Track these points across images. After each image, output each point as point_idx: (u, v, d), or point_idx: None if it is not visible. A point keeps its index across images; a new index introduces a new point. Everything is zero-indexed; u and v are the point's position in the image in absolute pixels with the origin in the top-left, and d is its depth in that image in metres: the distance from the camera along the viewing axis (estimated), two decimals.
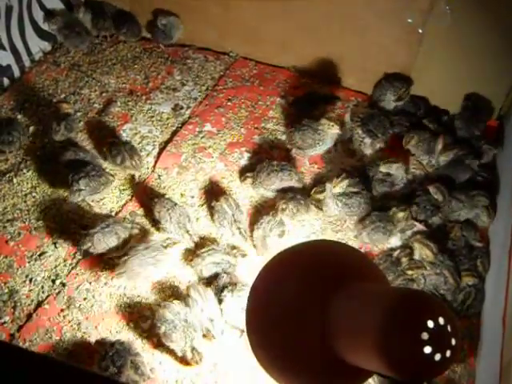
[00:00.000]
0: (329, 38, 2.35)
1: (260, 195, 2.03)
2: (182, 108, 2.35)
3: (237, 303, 1.66)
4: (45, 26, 2.48)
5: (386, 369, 0.88)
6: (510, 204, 1.89)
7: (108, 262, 1.84)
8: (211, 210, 1.95)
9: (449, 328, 0.84)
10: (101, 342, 1.65)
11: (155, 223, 1.92)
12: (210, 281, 1.77)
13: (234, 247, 1.87)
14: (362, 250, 1.89)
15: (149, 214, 1.95)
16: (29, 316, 1.72)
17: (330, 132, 2.09)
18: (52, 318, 1.72)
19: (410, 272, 1.79)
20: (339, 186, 1.93)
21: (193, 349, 1.60)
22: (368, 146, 2.14)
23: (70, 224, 1.93)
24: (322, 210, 1.97)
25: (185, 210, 1.91)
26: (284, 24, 2.38)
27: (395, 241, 1.93)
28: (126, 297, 1.77)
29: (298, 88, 2.43)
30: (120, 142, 2.10)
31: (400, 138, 2.16)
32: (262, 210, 2.00)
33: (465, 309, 1.76)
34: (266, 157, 2.13)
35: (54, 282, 1.80)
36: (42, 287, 1.79)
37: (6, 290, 1.77)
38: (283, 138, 2.23)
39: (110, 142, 2.08)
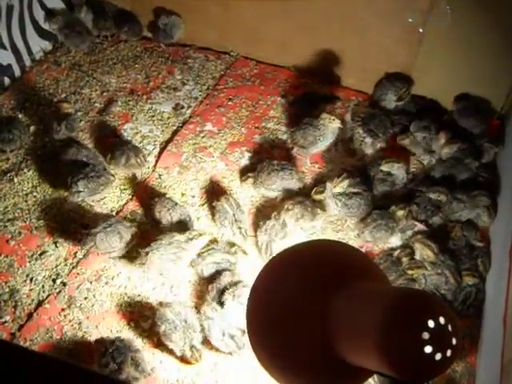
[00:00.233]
0: (329, 38, 2.35)
1: (261, 195, 2.03)
2: (182, 107, 2.35)
3: (238, 303, 1.66)
4: (45, 26, 2.49)
5: (386, 368, 0.88)
6: (511, 204, 1.89)
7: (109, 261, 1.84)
8: (212, 210, 1.95)
9: (449, 327, 0.84)
10: (101, 341, 1.65)
11: (156, 223, 1.92)
12: (210, 280, 1.77)
13: (233, 246, 1.87)
14: (363, 250, 1.89)
15: (149, 213, 1.95)
16: (29, 315, 1.72)
17: (331, 126, 2.07)
18: (53, 317, 1.72)
19: (410, 272, 1.80)
20: (339, 186, 1.93)
21: (192, 347, 1.60)
22: (369, 146, 2.14)
23: (70, 223, 1.94)
24: (325, 211, 1.97)
25: (185, 209, 1.91)
26: (284, 24, 2.38)
27: (395, 240, 1.93)
28: (127, 296, 1.78)
29: (299, 87, 2.43)
30: (122, 142, 2.10)
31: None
32: (263, 210, 2.00)
33: (465, 308, 1.76)
34: (266, 156, 2.13)
35: (54, 281, 1.80)
36: (43, 286, 1.79)
37: (7, 290, 1.77)
38: (284, 137, 2.23)
39: (111, 145, 2.07)
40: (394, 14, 2.19)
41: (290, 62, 2.49)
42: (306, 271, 1.05)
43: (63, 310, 1.74)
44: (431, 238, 1.85)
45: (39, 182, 2.05)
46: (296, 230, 1.94)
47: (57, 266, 1.84)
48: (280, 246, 1.82)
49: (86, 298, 1.77)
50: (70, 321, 1.72)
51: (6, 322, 1.71)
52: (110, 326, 1.71)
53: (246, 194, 2.05)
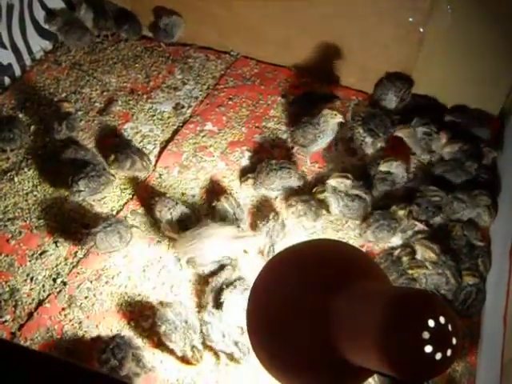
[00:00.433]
0: (329, 37, 2.35)
1: (261, 195, 2.03)
2: (183, 107, 2.35)
3: (237, 303, 1.66)
4: (46, 25, 2.48)
5: (386, 368, 0.88)
6: (511, 204, 1.89)
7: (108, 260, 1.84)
8: (212, 210, 1.95)
9: (450, 327, 0.84)
10: (101, 339, 1.65)
11: (156, 222, 1.92)
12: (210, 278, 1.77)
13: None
14: (364, 249, 1.89)
15: (150, 213, 1.95)
16: (30, 315, 1.72)
17: (333, 121, 2.06)
18: (53, 316, 1.72)
19: (410, 271, 1.79)
20: (336, 180, 1.92)
21: (193, 347, 1.60)
22: (369, 145, 2.14)
23: (71, 223, 1.94)
24: (329, 211, 1.96)
25: (186, 209, 1.91)
26: (285, 23, 2.38)
27: (396, 240, 1.93)
28: (127, 295, 1.78)
29: (299, 87, 2.42)
30: (125, 145, 2.10)
31: (401, 138, 2.16)
32: (263, 209, 2.00)
33: (466, 308, 1.76)
34: (266, 156, 2.13)
35: (55, 280, 1.80)
36: (43, 286, 1.79)
37: (7, 289, 1.77)
38: (284, 136, 2.23)
39: (112, 146, 2.07)
40: (395, 14, 2.19)
41: (291, 61, 2.49)
42: (307, 271, 1.05)
43: (63, 309, 1.74)
44: (432, 239, 1.85)
45: (39, 182, 2.05)
46: (296, 228, 1.94)
47: (57, 266, 1.84)
48: (282, 246, 1.82)
49: (86, 298, 1.77)
50: (71, 320, 1.72)
51: (6, 321, 1.71)
52: (110, 326, 1.71)
53: (246, 194, 2.05)
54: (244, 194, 2.04)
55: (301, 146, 2.13)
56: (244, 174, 2.09)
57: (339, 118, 2.06)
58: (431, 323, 0.83)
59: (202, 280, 1.80)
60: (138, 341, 1.67)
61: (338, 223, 1.99)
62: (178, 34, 2.54)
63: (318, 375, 1.01)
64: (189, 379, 1.62)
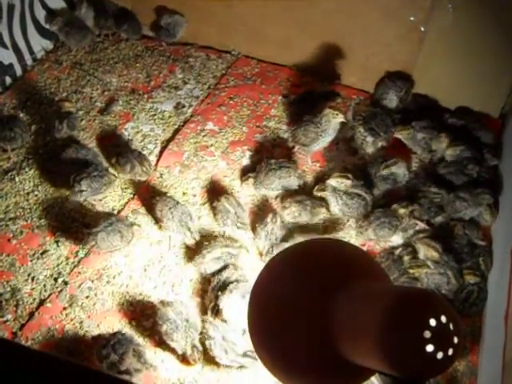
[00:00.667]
0: (330, 37, 2.35)
1: (262, 195, 2.03)
2: (183, 106, 2.35)
3: (237, 303, 1.66)
4: (46, 25, 2.48)
5: (387, 367, 0.87)
6: None
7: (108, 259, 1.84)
8: (213, 210, 1.95)
9: (451, 326, 0.84)
10: (102, 337, 1.65)
11: (157, 222, 1.92)
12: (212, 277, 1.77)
13: (235, 241, 1.86)
14: (364, 248, 1.89)
15: (151, 212, 1.95)
16: (31, 314, 1.72)
17: (334, 121, 2.06)
18: (54, 316, 1.72)
19: (411, 271, 1.79)
20: (336, 181, 1.92)
21: (193, 346, 1.60)
22: (370, 145, 2.14)
23: (72, 222, 1.94)
24: (328, 210, 1.96)
25: (187, 208, 1.91)
26: (286, 22, 2.38)
27: (397, 239, 1.92)
28: (128, 295, 1.78)
29: (300, 86, 2.42)
30: (127, 149, 2.09)
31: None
32: (264, 209, 2.00)
33: (467, 307, 1.76)
34: (267, 155, 2.13)
35: (56, 280, 1.81)
36: (45, 285, 1.79)
37: (9, 289, 1.77)
38: (285, 136, 2.23)
39: (113, 146, 2.07)
40: (396, 13, 2.19)
41: (292, 60, 2.49)
42: (307, 271, 1.05)
43: (65, 308, 1.74)
44: (434, 238, 1.85)
45: (41, 181, 2.05)
46: (295, 228, 1.94)
47: (58, 265, 1.84)
48: (281, 247, 1.82)
49: (87, 297, 1.77)
50: (72, 320, 1.72)
51: (7, 320, 1.71)
52: (111, 325, 1.71)
53: (247, 193, 2.05)
54: (245, 193, 2.05)
55: (302, 145, 2.13)
56: (245, 173, 2.09)
57: (341, 118, 2.06)
58: (432, 322, 0.83)
59: (203, 279, 1.80)
60: (140, 340, 1.67)
61: (338, 222, 1.99)
62: (180, 33, 2.54)
63: (319, 375, 1.01)
64: (190, 378, 1.62)
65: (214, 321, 1.65)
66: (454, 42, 2.18)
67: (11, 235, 1.90)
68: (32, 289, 1.78)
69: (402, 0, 2.17)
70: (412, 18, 2.18)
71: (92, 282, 1.80)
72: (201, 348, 1.62)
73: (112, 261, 1.85)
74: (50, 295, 1.77)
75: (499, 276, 1.79)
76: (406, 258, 1.81)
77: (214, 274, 1.77)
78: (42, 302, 1.75)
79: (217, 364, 1.64)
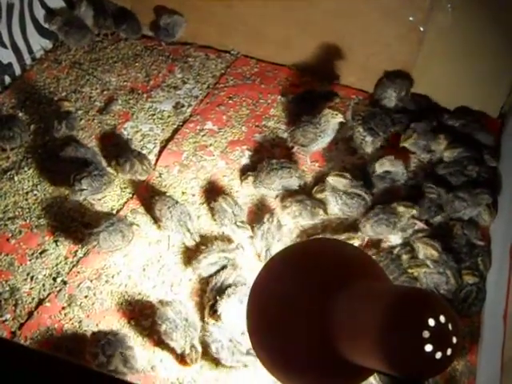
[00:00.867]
0: (330, 36, 2.35)
1: (262, 194, 2.03)
2: (183, 106, 2.35)
3: (235, 307, 1.66)
4: (46, 25, 2.48)
5: (386, 367, 0.88)
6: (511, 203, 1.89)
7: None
8: (212, 210, 1.95)
9: (450, 326, 0.84)
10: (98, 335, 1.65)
11: (156, 221, 1.92)
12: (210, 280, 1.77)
13: (230, 240, 1.86)
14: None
15: (150, 212, 1.95)
16: (30, 314, 1.72)
17: (333, 121, 2.06)
18: (53, 315, 1.72)
19: (410, 270, 1.79)
20: (333, 179, 1.92)
21: (192, 346, 1.60)
22: (369, 145, 2.14)
23: (71, 222, 1.94)
24: (327, 213, 1.96)
25: (186, 208, 1.91)
26: (285, 22, 2.38)
27: (396, 239, 1.92)
28: (127, 295, 1.78)
29: (299, 86, 2.42)
30: (126, 148, 2.09)
31: (401, 137, 2.16)
32: (263, 209, 2.00)
33: (466, 307, 1.76)
34: (267, 155, 2.13)
35: (55, 279, 1.80)
36: (43, 285, 1.79)
37: (8, 288, 1.77)
38: (284, 136, 2.23)
39: (116, 155, 2.06)
40: (395, 13, 2.19)
41: (291, 60, 2.49)
42: (307, 270, 1.05)
43: (64, 308, 1.74)
44: (433, 237, 1.85)
45: (39, 181, 2.05)
46: (294, 229, 1.94)
47: (57, 265, 1.84)
48: (279, 247, 1.82)
49: (86, 297, 1.77)
50: (71, 319, 1.72)
51: (6, 320, 1.71)
52: (110, 325, 1.70)
53: (247, 193, 2.05)
54: (244, 193, 2.05)
55: (301, 145, 2.13)
56: (244, 172, 2.09)
57: (340, 118, 2.06)
58: (431, 322, 0.83)
59: (202, 279, 1.80)
60: (138, 340, 1.67)
61: (337, 222, 1.98)
62: (180, 33, 2.54)
63: (318, 375, 1.01)
64: (189, 378, 1.62)
65: (216, 322, 1.65)
66: (453, 42, 2.18)
67: (10, 235, 1.90)
68: (31, 288, 1.78)
69: (402, 0, 2.17)
70: (411, 18, 2.18)
71: (91, 281, 1.80)
72: (200, 348, 1.62)
73: (111, 260, 1.85)
74: (48, 295, 1.77)
75: (498, 276, 1.79)
76: (405, 257, 1.81)
77: (211, 276, 1.77)
78: (40, 302, 1.75)
79: (215, 363, 1.64)
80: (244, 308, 1.12)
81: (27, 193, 2.01)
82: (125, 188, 2.05)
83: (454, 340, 0.85)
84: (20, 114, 2.24)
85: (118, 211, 1.97)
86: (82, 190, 1.91)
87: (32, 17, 2.42)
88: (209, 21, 2.50)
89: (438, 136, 2.08)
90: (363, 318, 0.92)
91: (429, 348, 0.83)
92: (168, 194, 1.98)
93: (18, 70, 2.41)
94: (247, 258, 1.86)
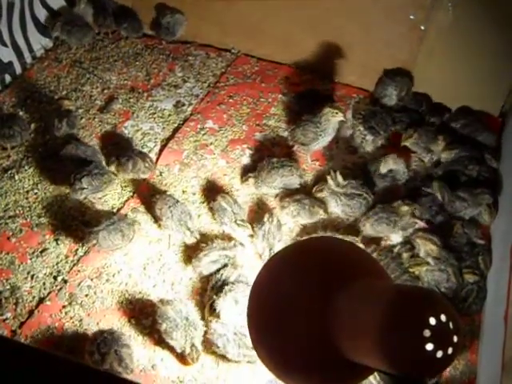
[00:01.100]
0: (331, 35, 2.35)
1: (263, 193, 2.03)
2: (183, 105, 2.35)
3: (235, 305, 1.66)
4: (46, 23, 2.48)
5: (387, 366, 0.88)
6: None
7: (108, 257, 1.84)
8: (212, 210, 1.95)
9: (451, 325, 0.84)
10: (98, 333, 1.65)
11: (157, 220, 1.92)
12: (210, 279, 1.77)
13: (232, 240, 1.86)
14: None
15: (150, 210, 1.95)
16: (30, 312, 1.72)
17: (334, 120, 2.05)
18: (54, 314, 1.72)
19: (411, 270, 1.79)
20: (335, 181, 1.92)
21: (192, 345, 1.60)
22: (370, 143, 2.14)
23: (71, 221, 1.93)
24: (326, 212, 1.96)
25: (186, 207, 1.91)
26: (286, 21, 2.38)
27: (396, 238, 1.92)
28: (128, 293, 1.78)
29: (300, 85, 2.42)
30: (127, 147, 2.09)
31: (402, 136, 2.16)
32: (263, 207, 2.00)
33: (466, 306, 1.76)
34: (267, 154, 2.13)
35: (55, 278, 1.80)
36: (44, 284, 1.79)
37: (8, 287, 1.77)
38: (285, 134, 2.23)
39: (117, 154, 2.05)
40: (396, 11, 2.19)
41: (291, 59, 2.49)
42: (307, 270, 1.05)
43: (64, 307, 1.74)
44: (433, 233, 1.85)
45: (40, 179, 2.05)
46: (295, 228, 1.94)
47: (58, 263, 1.84)
48: (280, 247, 1.82)
49: (86, 295, 1.77)
50: (71, 318, 1.72)
51: (6, 319, 1.71)
52: (110, 324, 1.70)
53: (247, 192, 2.05)
54: (244, 192, 2.04)
55: (301, 144, 2.12)
56: (245, 171, 2.09)
57: (340, 117, 2.05)
58: (432, 321, 0.83)
59: (203, 278, 1.80)
60: (139, 339, 1.67)
61: (338, 221, 1.98)
62: (180, 31, 2.53)
63: (318, 373, 1.01)
64: (189, 376, 1.62)
65: (218, 320, 1.65)
66: (453, 41, 2.18)
67: (11, 233, 1.90)
68: (31, 287, 1.78)
69: None
70: (412, 17, 2.18)
71: (91, 280, 1.80)
72: (200, 347, 1.62)
73: (111, 259, 1.85)
74: (49, 293, 1.77)
75: (498, 275, 1.79)
76: (405, 255, 1.81)
77: (212, 274, 1.77)
78: (41, 300, 1.75)
79: (217, 361, 1.64)
80: (244, 306, 1.12)
81: (28, 191, 2.01)
82: (125, 187, 2.05)
83: (455, 339, 0.84)
84: (20, 113, 2.24)
85: (118, 210, 1.97)
86: (82, 188, 1.90)
87: (32, 15, 2.41)
88: (209, 19, 2.50)
89: (438, 137, 2.08)
90: (364, 317, 0.92)
91: (430, 347, 0.83)
92: (168, 193, 1.98)
93: (18, 69, 2.41)
94: (248, 257, 1.86)
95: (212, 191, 2.03)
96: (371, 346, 0.88)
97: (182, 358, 1.62)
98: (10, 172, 2.06)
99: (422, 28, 2.18)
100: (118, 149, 2.13)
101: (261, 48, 2.51)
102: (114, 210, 1.97)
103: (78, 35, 2.46)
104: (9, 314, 1.72)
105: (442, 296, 0.98)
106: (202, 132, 2.24)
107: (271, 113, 2.33)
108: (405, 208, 1.88)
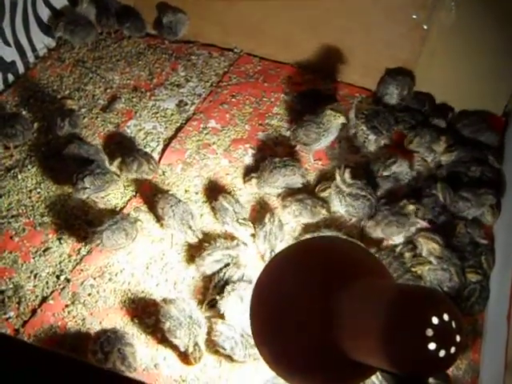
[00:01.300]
0: (333, 34, 2.35)
1: (265, 193, 2.03)
2: (186, 104, 2.35)
3: (238, 304, 1.66)
4: (49, 23, 2.48)
5: (389, 365, 0.87)
6: None
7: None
8: (214, 210, 1.95)
9: (453, 324, 0.84)
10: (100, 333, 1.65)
11: (159, 219, 1.92)
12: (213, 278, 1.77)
13: (234, 239, 1.86)
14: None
15: (153, 210, 1.95)
16: (33, 311, 1.73)
17: (336, 122, 2.06)
18: (56, 313, 1.73)
19: (413, 269, 1.79)
20: (341, 179, 1.92)
21: (195, 344, 1.60)
22: (372, 143, 2.14)
23: (74, 220, 1.94)
24: (329, 212, 1.96)
25: (188, 206, 1.91)
26: (288, 20, 2.38)
27: (398, 237, 1.92)
28: (131, 292, 1.78)
29: (302, 84, 2.42)
30: (131, 148, 2.09)
31: (404, 135, 2.16)
32: (266, 207, 2.00)
33: (469, 306, 1.76)
34: (270, 153, 2.13)
35: (58, 277, 1.81)
36: (47, 283, 1.79)
37: (11, 286, 1.78)
38: (287, 134, 2.23)
39: (121, 154, 2.05)
40: (398, 11, 2.19)
41: (294, 58, 2.49)
42: (309, 269, 1.05)
43: (67, 306, 1.74)
44: (435, 232, 1.85)
45: (43, 179, 2.05)
46: (297, 228, 1.94)
47: (60, 263, 1.84)
48: (282, 247, 1.82)
49: (89, 295, 1.77)
50: (74, 317, 1.72)
51: (10, 317, 1.71)
52: (113, 323, 1.71)
53: (250, 192, 2.05)
54: (247, 191, 2.05)
55: (303, 144, 2.13)
56: (247, 171, 2.09)
57: (342, 119, 2.06)
58: (435, 320, 0.83)
59: (206, 277, 1.80)
60: (142, 337, 1.67)
61: (341, 220, 1.98)
62: (183, 31, 2.53)
63: (320, 373, 1.01)
64: (192, 375, 1.62)
65: (224, 320, 1.65)
66: (456, 40, 2.18)
67: (14, 232, 1.90)
68: (34, 286, 1.79)
69: None
70: (414, 16, 2.18)
71: (94, 279, 1.80)
72: (203, 347, 1.62)
73: (114, 258, 1.85)
74: (52, 292, 1.77)
75: (501, 274, 1.79)
76: (408, 255, 1.81)
77: (215, 273, 1.77)
78: (44, 299, 1.75)
79: (219, 361, 1.64)
80: (246, 305, 1.12)
81: (31, 191, 2.02)
82: (128, 186, 2.05)
83: (458, 338, 0.84)
84: (23, 112, 2.25)
85: (121, 209, 1.97)
86: (85, 188, 1.91)
87: (35, 15, 2.42)
88: (212, 19, 2.50)
89: (440, 138, 2.08)
90: (366, 317, 0.92)
91: (432, 346, 0.82)
92: (171, 192, 1.98)
93: (21, 68, 2.41)
94: (250, 256, 1.86)
95: (214, 191, 2.04)
96: (373, 346, 0.88)
97: (184, 357, 1.63)
98: (12, 171, 2.07)
99: (425, 27, 2.18)
100: (121, 148, 2.13)
101: (263, 47, 2.51)
102: (117, 209, 1.97)
103: (80, 35, 2.46)
104: (12, 313, 1.72)
105: (444, 295, 0.98)
106: (205, 131, 2.24)
107: (274, 112, 2.33)
108: (411, 207, 1.88)
